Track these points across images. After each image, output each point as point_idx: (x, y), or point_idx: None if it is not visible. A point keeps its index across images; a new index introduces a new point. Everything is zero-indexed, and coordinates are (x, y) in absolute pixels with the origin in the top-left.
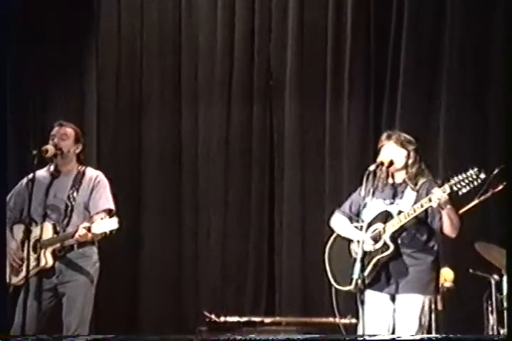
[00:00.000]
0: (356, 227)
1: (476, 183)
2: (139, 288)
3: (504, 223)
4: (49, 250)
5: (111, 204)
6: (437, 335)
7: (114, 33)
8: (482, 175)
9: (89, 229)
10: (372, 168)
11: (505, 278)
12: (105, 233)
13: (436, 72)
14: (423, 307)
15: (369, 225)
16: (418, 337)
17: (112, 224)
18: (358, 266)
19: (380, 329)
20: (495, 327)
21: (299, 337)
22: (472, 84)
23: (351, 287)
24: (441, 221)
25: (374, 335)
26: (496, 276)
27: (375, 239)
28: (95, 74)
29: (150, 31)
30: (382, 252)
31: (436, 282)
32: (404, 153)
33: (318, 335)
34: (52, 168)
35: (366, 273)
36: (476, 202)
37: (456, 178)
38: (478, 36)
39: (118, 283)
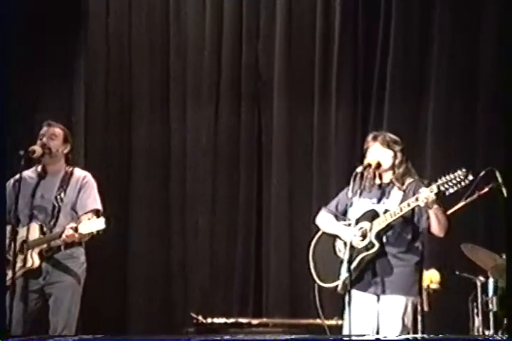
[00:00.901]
0: (343, 225)
1: (463, 184)
2: (127, 290)
3: (505, 225)
4: (36, 251)
5: (98, 205)
6: (431, 335)
7: (102, 34)
8: (470, 177)
9: (76, 230)
10: (359, 169)
11: (491, 280)
12: (92, 233)
13: (424, 74)
14: (406, 308)
15: (356, 223)
16: (408, 336)
17: (98, 224)
18: (344, 267)
19: (365, 330)
20: (480, 329)
21: (286, 337)
22: (460, 85)
23: (338, 287)
24: (428, 220)
25: (360, 335)
26: (481, 278)
27: (362, 237)
28: (84, 74)
29: (138, 33)
30: (368, 250)
31: (420, 283)
32: (391, 153)
33: (305, 336)
34: (39, 168)
35: (351, 269)
36: (462, 203)
37: (443, 178)
38: (467, 37)
39: (106, 284)
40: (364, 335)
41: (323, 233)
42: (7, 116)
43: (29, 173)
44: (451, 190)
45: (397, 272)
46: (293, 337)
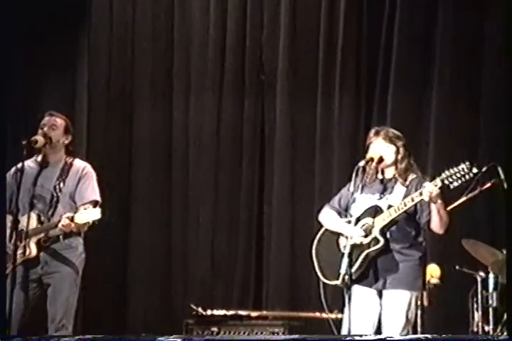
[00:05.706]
0: (346, 222)
1: (467, 177)
2: (127, 281)
3: (506, 220)
4: (33, 240)
5: (97, 196)
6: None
7: (106, 25)
8: (474, 170)
9: (72, 219)
10: (361, 163)
11: (491, 276)
12: (89, 223)
13: (427, 69)
14: (410, 303)
15: (358, 219)
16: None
17: (94, 214)
18: (345, 261)
19: (366, 325)
20: (480, 324)
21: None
22: (464, 80)
23: (338, 282)
24: (429, 216)
25: (362, 335)
26: (482, 273)
27: (365, 233)
28: (87, 65)
29: (142, 23)
30: (373, 246)
31: (423, 278)
32: (393, 148)
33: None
34: (39, 158)
35: (355, 267)
36: (463, 199)
37: (447, 172)
38: (471, 33)
39: (106, 275)
40: (366, 335)
41: (327, 230)
42: (8, 105)
43: (29, 163)
44: (456, 184)
45: (401, 267)
46: (297, 336)
